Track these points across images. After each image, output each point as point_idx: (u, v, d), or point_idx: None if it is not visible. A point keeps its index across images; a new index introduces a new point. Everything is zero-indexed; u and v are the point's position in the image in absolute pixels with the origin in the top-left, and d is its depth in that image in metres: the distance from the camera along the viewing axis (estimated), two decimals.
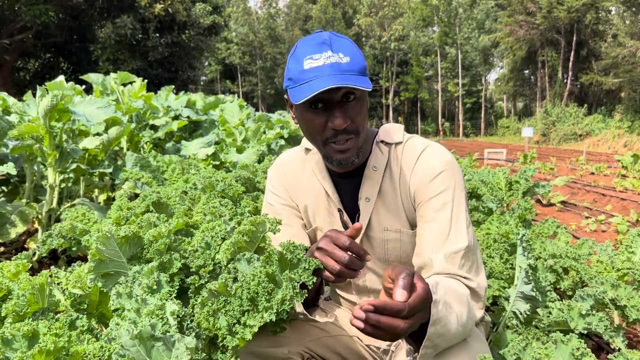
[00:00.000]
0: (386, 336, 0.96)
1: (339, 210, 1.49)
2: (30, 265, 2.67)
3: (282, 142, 7.13)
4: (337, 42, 1.28)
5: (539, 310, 1.95)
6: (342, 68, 1.24)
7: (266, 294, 1.22)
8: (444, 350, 1.21)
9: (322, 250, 1.19)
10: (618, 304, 2.13)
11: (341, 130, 1.29)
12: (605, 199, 7.90)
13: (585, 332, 1.76)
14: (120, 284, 1.38)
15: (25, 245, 4.14)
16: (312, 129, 1.34)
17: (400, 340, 1.40)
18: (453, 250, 1.29)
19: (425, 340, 1.05)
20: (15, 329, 1.25)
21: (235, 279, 1.34)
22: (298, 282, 1.20)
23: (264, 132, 7.13)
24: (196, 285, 1.59)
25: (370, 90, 1.25)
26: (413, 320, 0.96)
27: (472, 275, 1.29)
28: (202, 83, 54.92)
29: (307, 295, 1.20)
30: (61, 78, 5.58)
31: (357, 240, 1.46)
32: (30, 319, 1.46)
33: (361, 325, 0.94)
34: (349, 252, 1.15)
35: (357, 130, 1.32)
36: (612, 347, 2.03)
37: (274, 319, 1.19)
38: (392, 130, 1.50)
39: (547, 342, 1.29)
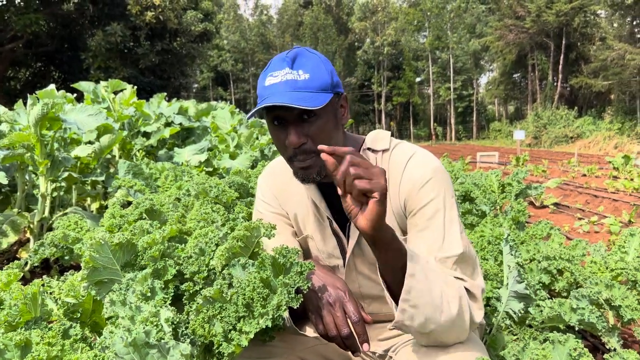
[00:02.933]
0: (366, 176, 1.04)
1: (329, 218, 1.49)
2: (22, 274, 2.64)
3: (275, 148, 7.12)
4: (302, 58, 1.28)
5: (530, 309, 1.95)
6: (298, 85, 1.24)
7: (261, 299, 1.21)
8: (440, 352, 1.21)
9: (330, 307, 1.24)
10: (612, 304, 2.13)
11: (298, 148, 1.29)
12: (598, 200, 7.95)
13: (579, 326, 1.76)
14: (114, 291, 1.36)
15: (17, 255, 4.10)
16: (277, 145, 1.36)
17: (398, 346, 1.39)
18: (446, 256, 1.28)
19: (404, 293, 1.11)
20: (7, 339, 1.23)
21: (230, 285, 1.33)
22: (293, 287, 1.19)
23: (257, 138, 7.13)
24: (191, 291, 1.58)
25: (318, 109, 1.24)
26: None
27: (468, 277, 1.29)
28: (194, 90, 54.88)
29: (302, 299, 1.20)
30: (52, 86, 5.55)
31: (349, 250, 1.46)
32: (23, 329, 1.44)
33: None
34: (352, 327, 1.21)
35: (315, 150, 1.29)
36: (607, 347, 2.03)
37: (269, 325, 1.18)
38: (378, 137, 1.49)
39: (545, 342, 1.29)
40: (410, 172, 1.37)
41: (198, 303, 1.31)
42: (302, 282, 1.19)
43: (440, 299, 1.15)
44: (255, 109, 1.26)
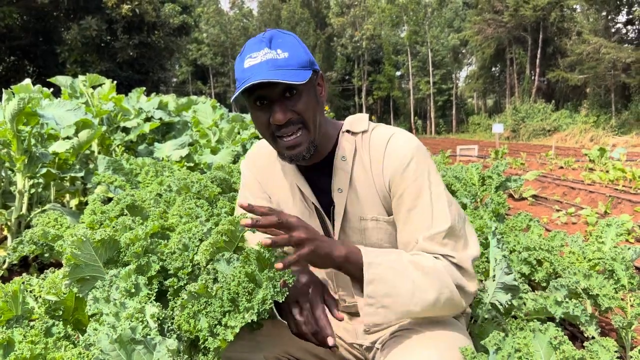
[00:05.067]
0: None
1: (314, 204, 1.49)
2: (1, 273, 2.59)
3: (258, 132, 7.08)
4: (278, 39, 1.30)
5: (514, 301, 1.99)
6: (278, 64, 1.26)
7: (247, 294, 1.21)
8: (422, 337, 1.24)
9: (297, 305, 1.32)
10: (590, 293, 2.18)
11: (285, 124, 1.30)
12: (575, 192, 8.10)
13: (563, 318, 1.80)
14: (97, 288, 1.35)
15: None
16: (260, 126, 1.37)
17: (385, 338, 1.40)
18: (433, 233, 1.31)
19: (366, 297, 1.20)
20: None
21: (215, 280, 1.32)
22: (278, 281, 1.19)
23: (239, 133, 7.08)
24: (175, 287, 1.57)
25: (302, 83, 1.25)
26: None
27: (457, 251, 1.32)
28: (173, 85, 54.22)
29: (287, 293, 1.20)
30: (28, 81, 5.43)
31: (336, 233, 1.47)
32: (4, 327, 1.42)
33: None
34: (318, 327, 1.28)
35: (303, 121, 1.32)
36: (585, 335, 2.08)
37: (255, 319, 1.18)
38: (355, 120, 1.51)
39: (526, 330, 1.32)
40: (391, 153, 1.39)
41: (183, 298, 1.31)
42: (287, 275, 1.20)
43: (411, 293, 1.21)
44: (239, 89, 1.26)
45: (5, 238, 4.10)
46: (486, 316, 1.79)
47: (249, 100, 1.33)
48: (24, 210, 3.87)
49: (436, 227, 1.31)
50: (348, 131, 1.48)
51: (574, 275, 2.31)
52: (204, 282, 1.29)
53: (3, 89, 4.32)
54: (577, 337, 2.57)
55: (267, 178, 1.59)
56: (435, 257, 1.29)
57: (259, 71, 1.25)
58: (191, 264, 1.65)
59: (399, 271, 1.23)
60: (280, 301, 1.19)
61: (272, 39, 1.30)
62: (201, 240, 1.74)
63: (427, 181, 1.35)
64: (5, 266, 3.47)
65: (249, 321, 1.18)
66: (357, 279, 1.26)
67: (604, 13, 34.16)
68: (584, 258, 2.72)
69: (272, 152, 1.51)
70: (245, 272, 1.23)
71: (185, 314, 1.25)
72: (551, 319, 2.12)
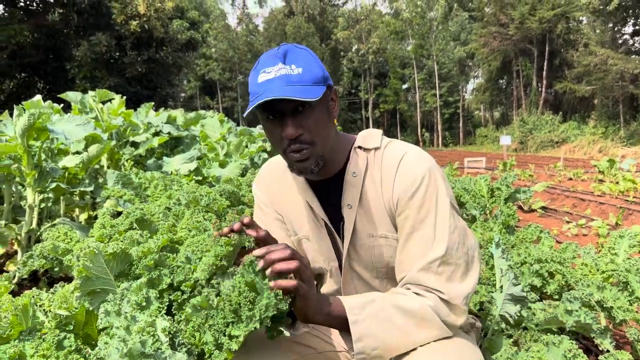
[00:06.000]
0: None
1: (323, 219, 1.48)
2: (12, 287, 2.60)
3: (265, 155, 7.12)
4: (292, 54, 1.30)
5: (523, 312, 1.96)
6: (292, 80, 1.26)
7: (248, 303, 1.20)
8: (430, 350, 1.22)
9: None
10: (604, 305, 2.15)
11: (295, 139, 1.31)
12: (585, 204, 8.03)
13: (576, 330, 1.77)
14: (109, 301, 1.35)
15: (5, 268, 4.03)
16: (272, 139, 1.37)
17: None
18: (429, 260, 1.29)
19: (356, 352, 1.22)
20: (1, 351, 1.21)
21: (218, 293, 1.32)
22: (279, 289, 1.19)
23: (246, 146, 7.11)
24: (179, 301, 1.57)
25: (315, 100, 1.26)
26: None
27: (452, 282, 1.29)
28: (181, 99, 54.67)
29: (290, 300, 1.19)
30: (38, 97, 5.50)
31: (345, 250, 1.46)
32: (16, 341, 1.42)
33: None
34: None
35: (312, 141, 1.32)
36: (600, 348, 2.05)
37: (258, 327, 1.17)
38: (369, 135, 1.50)
39: (539, 343, 1.30)
40: (403, 173, 1.37)
41: (187, 312, 1.30)
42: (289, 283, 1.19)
43: (399, 340, 1.24)
44: (252, 105, 1.26)
45: (16, 252, 4.12)
46: (496, 328, 1.77)
47: (261, 115, 1.34)
48: (34, 225, 3.89)
49: (433, 254, 1.30)
50: (360, 147, 1.47)
51: (587, 288, 2.28)
52: (206, 294, 1.28)
53: (14, 105, 4.37)
54: (591, 350, 2.53)
55: (278, 196, 1.58)
56: (423, 296, 1.28)
57: (272, 87, 1.25)
58: (193, 277, 1.64)
59: (384, 321, 1.24)
60: (285, 309, 1.18)
61: (287, 54, 1.30)
62: (207, 251, 1.74)
63: (433, 207, 1.33)
64: (15, 280, 3.48)
65: (253, 329, 1.17)
66: (345, 331, 1.27)
67: (611, 25, 34.19)
68: (597, 270, 2.69)
69: (284, 169, 1.51)
70: (246, 282, 1.22)
71: (190, 328, 1.25)
72: (563, 330, 2.09)
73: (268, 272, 1.16)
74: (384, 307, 1.26)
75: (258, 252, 1.18)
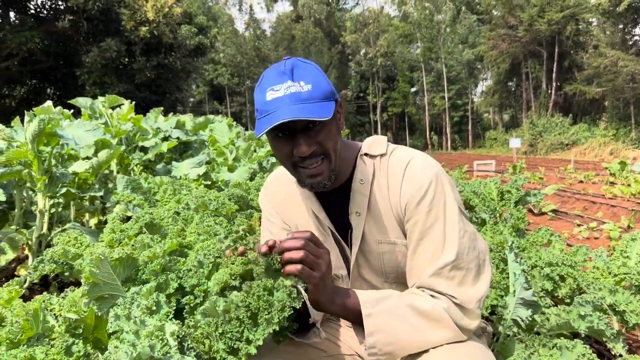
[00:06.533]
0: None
1: (330, 228, 1.48)
2: (23, 291, 2.61)
3: (274, 159, 7.13)
4: (299, 70, 1.28)
5: (536, 316, 1.94)
6: (302, 97, 1.24)
7: (267, 306, 1.19)
8: (442, 352, 1.22)
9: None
10: (617, 309, 2.12)
11: (308, 155, 1.30)
12: (596, 207, 7.96)
13: (588, 335, 1.75)
14: (119, 305, 1.35)
15: (16, 273, 4.06)
16: (281, 156, 1.36)
17: None
18: (439, 266, 1.29)
19: (368, 347, 1.22)
20: (11, 356, 1.22)
21: (226, 300, 1.31)
22: (292, 288, 1.18)
23: (255, 151, 7.13)
24: (191, 305, 1.57)
25: (327, 119, 1.25)
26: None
27: (464, 286, 1.28)
28: (190, 104, 55.02)
29: (303, 299, 1.19)
30: (49, 103, 5.55)
31: (354, 257, 1.45)
32: (25, 346, 1.42)
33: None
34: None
35: (326, 153, 1.32)
36: (613, 353, 2.02)
37: (277, 329, 1.17)
38: (375, 142, 1.49)
39: (552, 348, 1.28)
40: (409, 179, 1.37)
41: (197, 319, 1.30)
42: (300, 282, 1.19)
43: (412, 338, 1.24)
44: (265, 127, 1.23)
45: (27, 257, 4.15)
46: (508, 333, 1.75)
47: (269, 133, 1.31)
48: (44, 230, 3.92)
49: (443, 259, 1.29)
50: (366, 154, 1.46)
51: (599, 291, 2.25)
52: (214, 301, 1.28)
53: (25, 111, 4.41)
54: (604, 354, 2.50)
55: (284, 206, 1.58)
56: (436, 297, 1.27)
57: (282, 105, 1.23)
58: (206, 282, 1.64)
59: (398, 317, 1.24)
60: (298, 307, 1.17)
61: (294, 70, 1.28)
62: (219, 257, 1.74)
63: (442, 212, 1.33)
64: (26, 285, 3.50)
65: (272, 331, 1.16)
66: (358, 324, 1.27)
67: (621, 26, 33.94)
68: (609, 273, 2.66)
69: (289, 179, 1.51)
70: (264, 286, 1.21)
71: (199, 334, 1.24)
72: (575, 334, 2.06)
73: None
74: (398, 305, 1.26)
75: (271, 243, 1.18)
